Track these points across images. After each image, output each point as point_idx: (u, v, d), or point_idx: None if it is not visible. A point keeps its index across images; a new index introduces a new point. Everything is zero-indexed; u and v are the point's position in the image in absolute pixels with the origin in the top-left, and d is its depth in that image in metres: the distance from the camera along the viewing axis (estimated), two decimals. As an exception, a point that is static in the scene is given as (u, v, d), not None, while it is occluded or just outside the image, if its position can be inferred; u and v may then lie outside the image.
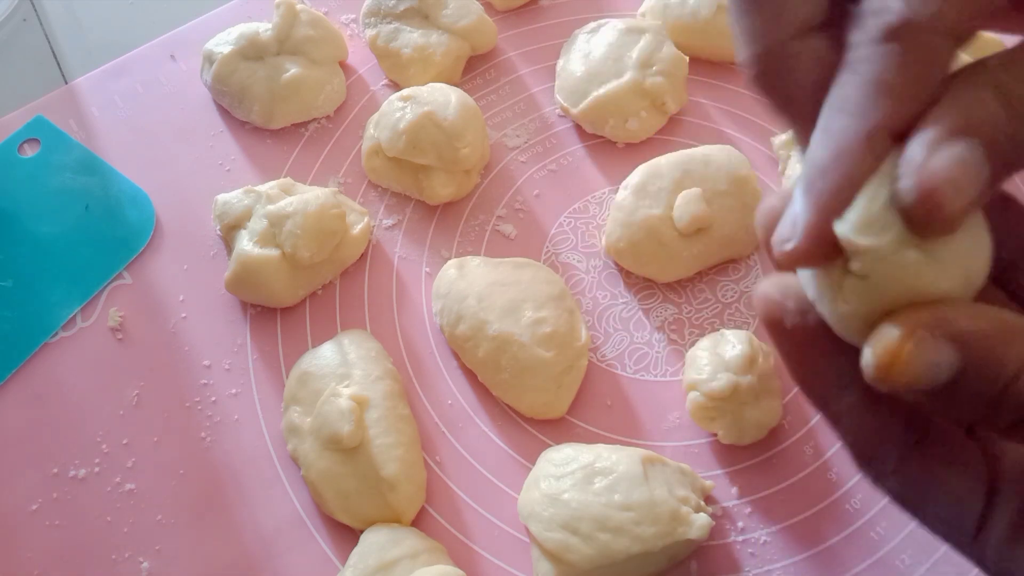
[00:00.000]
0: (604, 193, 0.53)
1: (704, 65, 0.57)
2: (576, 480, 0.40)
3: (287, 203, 0.48)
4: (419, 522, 0.44)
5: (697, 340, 0.46)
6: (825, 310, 0.21)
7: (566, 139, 0.55)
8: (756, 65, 0.23)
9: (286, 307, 0.50)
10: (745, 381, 0.42)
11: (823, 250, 0.20)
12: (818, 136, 0.21)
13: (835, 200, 0.20)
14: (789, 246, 0.20)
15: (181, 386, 0.48)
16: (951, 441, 0.23)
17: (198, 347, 0.49)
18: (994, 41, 0.52)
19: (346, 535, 0.43)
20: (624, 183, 0.49)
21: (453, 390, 0.47)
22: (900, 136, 0.20)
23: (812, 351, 0.23)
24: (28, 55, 0.62)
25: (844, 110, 0.20)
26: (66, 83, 0.59)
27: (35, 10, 0.64)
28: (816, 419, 0.45)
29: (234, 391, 0.48)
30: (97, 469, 0.46)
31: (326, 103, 0.56)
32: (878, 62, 0.20)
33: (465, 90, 0.53)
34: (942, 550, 0.42)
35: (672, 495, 0.40)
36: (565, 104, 0.54)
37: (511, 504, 0.43)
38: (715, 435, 0.44)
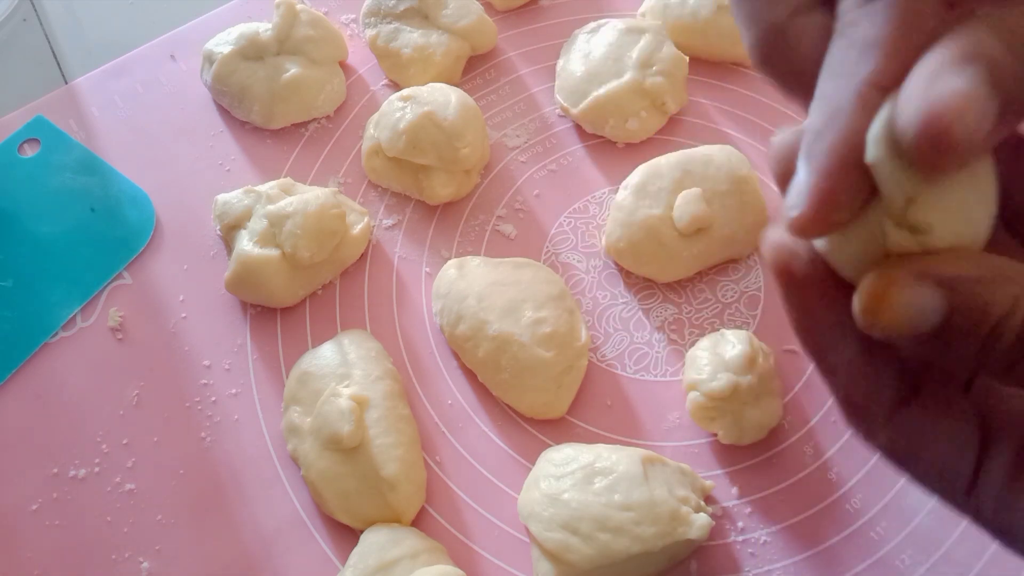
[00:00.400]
0: (604, 193, 0.53)
1: (704, 65, 0.57)
2: (576, 480, 0.40)
3: (287, 203, 0.48)
4: (419, 522, 0.44)
5: (697, 340, 0.46)
6: (832, 255, 0.22)
7: (566, 139, 0.55)
8: (759, 47, 0.23)
9: (286, 307, 0.50)
10: (745, 381, 0.42)
11: (830, 213, 0.20)
12: (814, 104, 0.21)
13: (834, 162, 0.20)
14: (795, 213, 0.21)
15: (181, 386, 0.48)
16: (943, 395, 0.23)
17: (198, 347, 0.49)
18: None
19: (346, 535, 0.43)
20: (624, 183, 0.49)
21: (453, 390, 0.47)
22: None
23: (814, 299, 0.23)
24: (28, 55, 0.62)
25: (835, 74, 0.21)
26: (66, 83, 0.59)
27: (35, 10, 0.64)
28: (816, 419, 0.45)
29: (234, 391, 0.48)
30: (97, 469, 0.46)
31: (326, 103, 0.56)
32: (865, 22, 0.20)
33: (465, 90, 0.53)
34: (942, 550, 0.42)
35: (672, 495, 0.40)
36: (565, 104, 0.54)
37: (511, 504, 0.43)
38: (715, 435, 0.44)
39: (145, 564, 0.43)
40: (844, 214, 0.20)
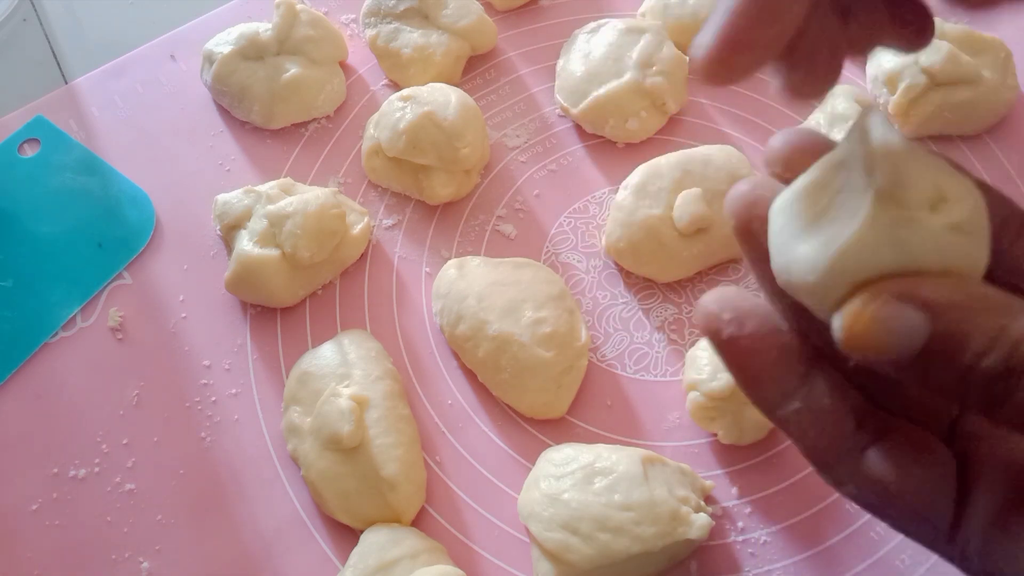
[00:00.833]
0: (604, 193, 0.53)
1: (704, 65, 0.57)
2: (576, 480, 0.40)
3: (287, 203, 0.48)
4: (419, 522, 0.44)
5: (697, 340, 0.46)
6: (801, 283, 0.21)
7: (566, 139, 0.55)
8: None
9: (286, 307, 0.50)
10: (745, 381, 0.42)
11: (740, 54, 0.21)
12: None
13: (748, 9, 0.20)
14: (701, 52, 0.21)
15: (181, 386, 0.48)
16: (911, 438, 0.23)
17: (198, 347, 0.49)
18: (995, 41, 0.52)
19: (346, 535, 0.43)
20: (624, 183, 0.49)
21: (453, 390, 0.47)
22: None
23: (754, 359, 0.23)
24: (28, 55, 0.62)
25: None
26: (66, 83, 0.59)
27: (35, 10, 0.64)
28: (816, 419, 0.45)
29: (234, 391, 0.48)
30: (97, 469, 0.46)
31: (326, 103, 0.56)
32: None
33: (465, 90, 0.53)
34: (942, 550, 0.42)
35: (672, 495, 0.40)
36: (565, 104, 0.54)
37: (511, 504, 0.43)
38: (715, 435, 0.44)
39: (145, 564, 0.43)
40: (750, 59, 0.21)
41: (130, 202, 0.54)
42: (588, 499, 0.39)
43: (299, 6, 0.56)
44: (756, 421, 0.43)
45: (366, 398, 0.43)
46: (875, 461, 0.22)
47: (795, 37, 0.22)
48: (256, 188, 0.50)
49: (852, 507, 0.43)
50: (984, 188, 0.23)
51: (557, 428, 0.46)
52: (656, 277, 0.49)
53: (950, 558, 0.22)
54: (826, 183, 0.21)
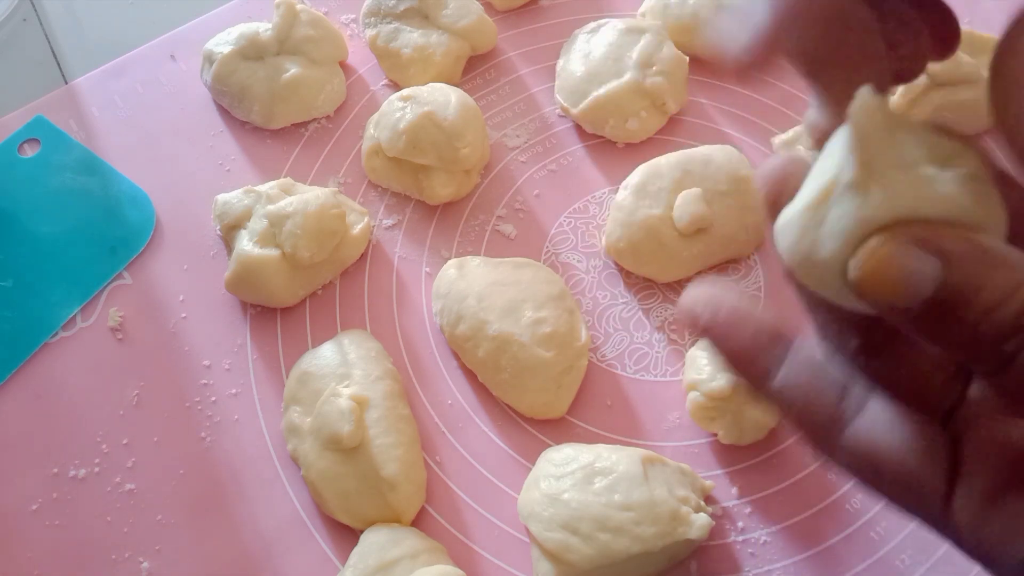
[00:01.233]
0: (604, 193, 0.53)
1: (704, 65, 0.57)
2: (576, 480, 0.40)
3: (287, 203, 0.48)
4: (419, 522, 0.44)
5: (697, 340, 0.46)
6: (809, 241, 0.21)
7: (566, 139, 0.55)
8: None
9: (286, 307, 0.50)
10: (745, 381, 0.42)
11: (763, 61, 0.21)
12: None
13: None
14: (739, 52, 0.21)
15: (181, 386, 0.48)
16: (897, 406, 0.23)
17: (198, 347, 0.49)
18: (995, 41, 0.52)
19: (346, 535, 0.43)
20: (624, 183, 0.49)
21: (453, 390, 0.47)
22: None
23: (731, 341, 0.24)
24: (28, 55, 0.62)
25: None
26: (66, 83, 0.59)
27: (35, 10, 0.64)
28: (816, 419, 0.45)
29: (234, 391, 0.48)
30: (97, 469, 0.46)
31: (326, 103, 0.56)
32: None
33: (465, 90, 0.53)
34: (942, 550, 0.42)
35: (672, 495, 0.40)
36: (565, 104, 0.54)
37: (511, 504, 0.43)
38: (715, 435, 0.44)
39: (145, 564, 0.43)
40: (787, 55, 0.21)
41: (130, 202, 0.54)
42: (588, 499, 0.39)
43: (299, 6, 0.56)
44: (756, 421, 0.43)
45: (366, 398, 0.43)
46: (865, 427, 0.23)
47: (833, 45, 0.22)
48: (256, 188, 0.50)
49: (852, 507, 0.43)
50: (1008, 183, 0.23)
51: (557, 428, 0.46)
52: (656, 277, 0.49)
53: (943, 534, 0.23)
54: (828, 166, 0.22)
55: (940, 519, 0.22)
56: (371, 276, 0.51)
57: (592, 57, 0.54)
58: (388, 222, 0.53)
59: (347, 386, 0.44)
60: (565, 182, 0.54)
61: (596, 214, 0.52)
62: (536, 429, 0.46)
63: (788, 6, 0.21)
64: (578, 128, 0.55)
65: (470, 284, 0.47)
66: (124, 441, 0.46)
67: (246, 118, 0.56)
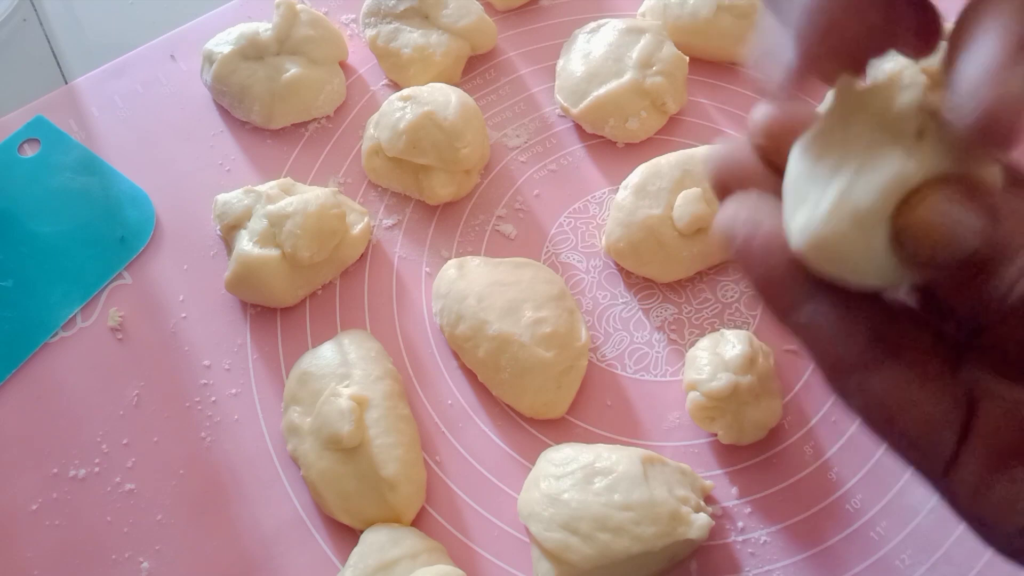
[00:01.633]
0: (604, 193, 0.53)
1: (704, 65, 0.57)
2: (576, 480, 0.40)
3: (287, 203, 0.48)
4: (419, 522, 0.44)
5: (697, 340, 0.46)
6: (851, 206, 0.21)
7: (566, 139, 0.55)
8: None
9: (286, 307, 0.50)
10: (745, 381, 0.42)
11: (808, 79, 0.21)
12: None
13: (823, 26, 0.20)
14: (775, 80, 0.21)
15: (181, 386, 0.48)
16: (924, 363, 0.22)
17: (198, 347, 0.49)
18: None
19: (346, 535, 0.43)
20: (624, 183, 0.49)
21: (453, 390, 0.47)
22: None
23: (768, 266, 0.23)
24: (28, 55, 0.62)
25: None
26: (66, 83, 0.59)
27: (35, 10, 0.64)
28: (816, 419, 0.45)
29: (234, 391, 0.48)
30: (97, 469, 0.46)
31: (326, 103, 0.56)
32: None
33: (465, 90, 0.53)
34: (942, 550, 0.42)
35: (672, 495, 0.40)
36: (565, 104, 0.54)
37: (511, 504, 0.43)
38: (715, 435, 0.44)
39: (145, 564, 0.43)
40: (830, 69, 0.21)
41: (130, 202, 0.54)
42: (588, 499, 0.39)
43: (299, 6, 0.56)
44: (756, 421, 0.43)
45: (366, 398, 0.43)
46: (886, 377, 0.22)
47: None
48: (256, 188, 0.50)
49: (852, 507, 0.43)
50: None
51: (557, 428, 0.46)
52: (656, 277, 0.49)
53: (941, 492, 0.22)
54: (837, 130, 0.22)
55: (942, 478, 0.22)
56: (371, 276, 0.51)
57: (592, 57, 0.54)
58: (388, 222, 0.53)
59: (347, 386, 0.44)
60: (565, 182, 0.54)
61: (596, 214, 0.52)
62: (536, 429, 0.46)
63: (823, 28, 0.21)
64: (578, 128, 0.55)
65: (470, 284, 0.47)
66: (124, 441, 0.46)
67: (246, 118, 0.56)
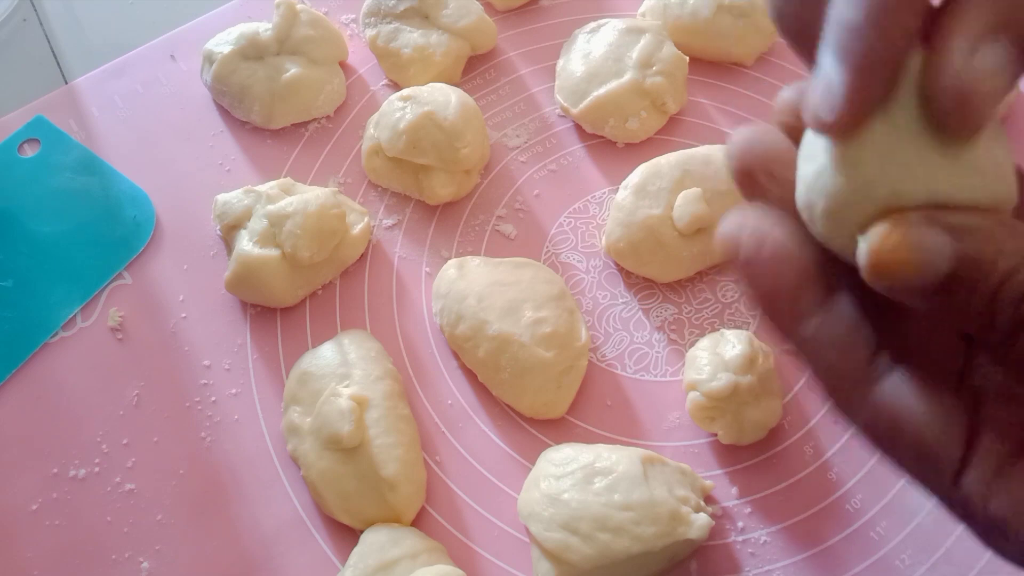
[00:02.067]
0: (604, 193, 0.53)
1: (704, 65, 0.57)
2: (576, 480, 0.40)
3: (287, 203, 0.48)
4: (419, 522, 0.44)
5: (697, 340, 0.46)
6: (820, 210, 0.21)
7: (566, 139, 0.55)
8: (778, 12, 0.22)
9: (286, 307, 0.50)
10: (745, 381, 0.42)
11: (866, 113, 0.20)
12: None
13: (875, 61, 0.20)
14: (829, 116, 0.20)
15: (181, 386, 0.48)
16: (932, 369, 0.22)
17: (198, 347, 0.49)
18: None
19: (346, 535, 0.43)
20: (624, 183, 0.49)
21: (453, 390, 0.47)
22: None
23: (772, 280, 0.23)
24: (28, 55, 0.62)
25: None
26: (66, 83, 0.59)
27: (35, 10, 0.64)
28: (816, 419, 0.45)
29: (234, 391, 0.48)
30: (97, 469, 0.46)
31: (326, 103, 0.56)
32: None
33: (465, 90, 0.53)
34: (942, 550, 0.42)
35: (672, 495, 0.40)
36: (565, 104, 0.54)
37: (511, 504, 0.43)
38: (715, 435, 0.44)
39: (145, 564, 0.43)
40: (871, 112, 0.20)
41: (130, 202, 0.54)
42: (588, 499, 0.39)
43: (299, 6, 0.56)
44: (756, 421, 0.43)
45: (366, 398, 0.43)
46: (890, 389, 0.22)
47: None
48: (256, 188, 0.50)
49: (852, 507, 0.43)
50: None
51: (557, 428, 0.46)
52: (656, 277, 0.49)
53: (951, 503, 0.22)
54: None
55: (951, 489, 0.22)
56: (371, 276, 0.51)
57: (592, 57, 0.54)
58: (388, 222, 0.53)
59: (347, 386, 0.44)
60: (565, 182, 0.54)
61: (596, 214, 0.52)
62: (536, 429, 0.46)
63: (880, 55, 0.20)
64: (578, 128, 0.55)
65: (470, 284, 0.47)
66: (124, 441, 0.46)
67: (246, 118, 0.56)
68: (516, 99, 0.57)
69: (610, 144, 0.55)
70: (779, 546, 0.42)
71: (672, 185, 0.48)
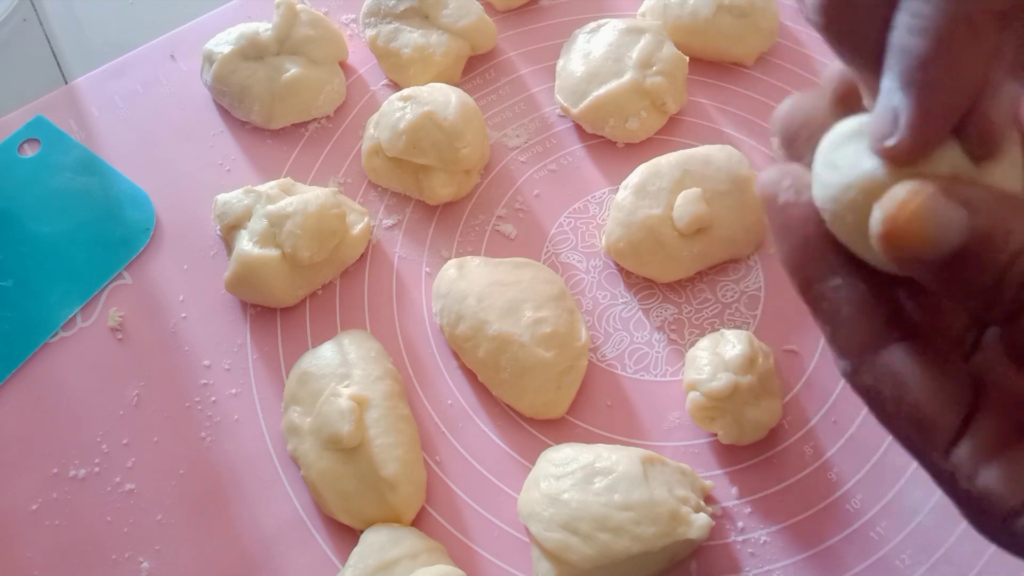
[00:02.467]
0: (604, 193, 0.53)
1: (704, 65, 0.57)
2: (576, 480, 0.40)
3: (287, 203, 0.48)
4: (419, 522, 0.44)
5: (697, 340, 0.46)
6: (849, 222, 0.21)
7: (566, 139, 0.55)
8: (822, 9, 0.22)
9: (286, 307, 0.50)
10: (745, 381, 0.42)
11: (932, 144, 0.20)
12: (907, 20, 0.20)
13: (942, 94, 0.20)
14: (892, 142, 0.20)
15: (181, 386, 0.48)
16: (936, 345, 0.23)
17: (198, 347, 0.49)
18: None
19: (346, 535, 0.43)
20: (624, 183, 0.49)
21: (453, 390, 0.47)
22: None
23: (802, 230, 0.23)
24: (28, 55, 0.62)
25: None
26: (66, 83, 0.59)
27: (35, 10, 0.64)
28: (816, 419, 0.45)
29: (234, 391, 0.48)
30: (97, 469, 0.46)
31: (326, 103, 0.56)
32: None
33: (465, 90, 0.53)
34: (942, 550, 0.42)
35: (672, 495, 0.40)
36: (565, 104, 0.54)
37: (511, 504, 0.43)
38: (715, 435, 0.44)
39: (145, 564, 0.43)
40: (938, 143, 0.20)
41: (130, 202, 0.54)
42: (588, 499, 0.39)
43: (299, 6, 0.56)
44: (756, 421, 0.43)
45: (366, 398, 0.43)
46: (899, 355, 0.22)
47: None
48: (256, 188, 0.50)
49: (852, 507, 0.43)
50: None
51: (557, 428, 0.46)
52: (656, 277, 0.49)
53: (938, 473, 0.22)
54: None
55: (941, 459, 0.22)
56: (371, 276, 0.51)
57: (592, 57, 0.54)
58: (388, 222, 0.53)
59: (347, 386, 0.44)
60: (565, 182, 0.54)
61: (596, 214, 0.52)
62: (536, 429, 0.46)
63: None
64: (578, 128, 0.55)
65: (470, 284, 0.47)
66: (124, 441, 0.46)
67: (246, 118, 0.56)
68: (516, 99, 0.57)
69: (610, 144, 0.55)
70: (779, 546, 0.42)
71: (672, 185, 0.48)
